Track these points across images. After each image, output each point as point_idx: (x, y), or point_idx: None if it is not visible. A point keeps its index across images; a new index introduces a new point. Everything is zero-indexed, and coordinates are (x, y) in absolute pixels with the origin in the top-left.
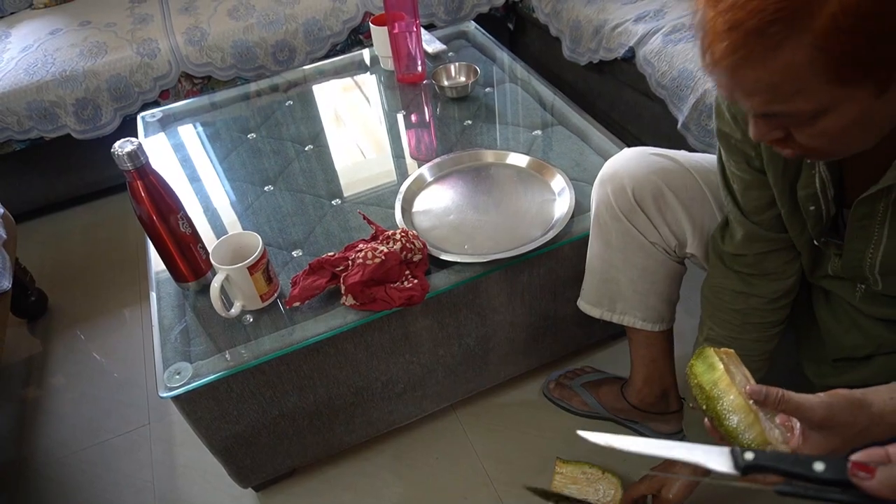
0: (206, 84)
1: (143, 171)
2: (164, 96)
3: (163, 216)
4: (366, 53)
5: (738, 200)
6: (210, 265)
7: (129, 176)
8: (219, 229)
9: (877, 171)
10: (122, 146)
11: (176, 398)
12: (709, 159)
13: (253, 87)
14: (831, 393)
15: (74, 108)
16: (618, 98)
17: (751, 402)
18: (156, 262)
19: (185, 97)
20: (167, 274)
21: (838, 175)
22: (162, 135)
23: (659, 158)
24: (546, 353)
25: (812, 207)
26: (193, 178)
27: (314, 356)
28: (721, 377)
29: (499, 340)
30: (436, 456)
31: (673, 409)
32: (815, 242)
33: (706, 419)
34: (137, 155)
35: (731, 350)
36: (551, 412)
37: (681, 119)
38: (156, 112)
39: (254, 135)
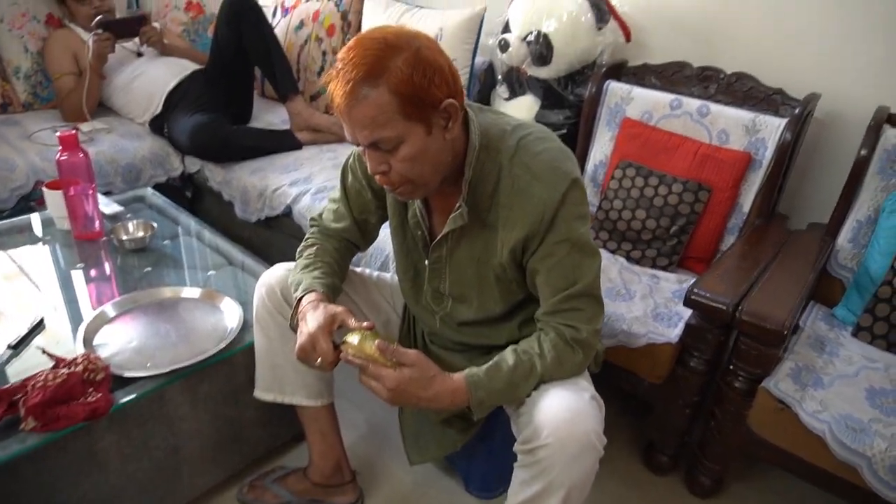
0: None
1: None
2: None
3: None
4: (36, 217)
5: (349, 198)
6: None
7: None
8: None
9: (444, 224)
10: None
11: None
12: None
13: None
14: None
15: None
16: (285, 244)
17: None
18: None
19: None
20: None
21: (429, 222)
22: None
23: None
24: (238, 459)
25: (419, 232)
26: None
27: None
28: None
29: (190, 451)
30: None
31: (348, 480)
32: (426, 262)
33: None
34: None
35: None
36: None
37: None
38: None
39: None
